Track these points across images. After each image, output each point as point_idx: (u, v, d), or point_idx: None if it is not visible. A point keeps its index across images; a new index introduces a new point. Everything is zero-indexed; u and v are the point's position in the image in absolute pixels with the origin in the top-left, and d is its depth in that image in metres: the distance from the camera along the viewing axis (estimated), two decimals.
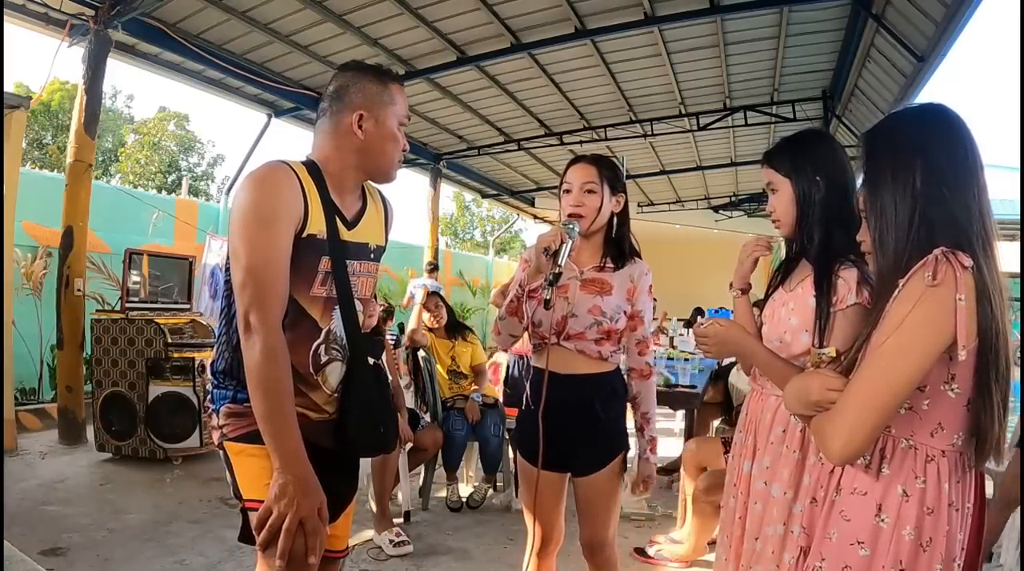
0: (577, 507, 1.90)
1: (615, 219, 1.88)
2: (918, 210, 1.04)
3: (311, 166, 1.39)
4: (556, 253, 1.67)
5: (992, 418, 1.03)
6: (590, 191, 1.80)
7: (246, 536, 1.36)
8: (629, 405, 1.95)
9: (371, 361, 1.44)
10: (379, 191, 1.57)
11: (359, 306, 1.45)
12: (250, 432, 1.34)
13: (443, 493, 3.67)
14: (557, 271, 1.65)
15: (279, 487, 1.23)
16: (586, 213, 1.79)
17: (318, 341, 1.38)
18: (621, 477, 1.89)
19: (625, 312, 1.83)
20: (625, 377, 1.94)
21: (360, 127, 1.37)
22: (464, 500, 3.63)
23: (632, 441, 1.93)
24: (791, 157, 1.51)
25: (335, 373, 1.41)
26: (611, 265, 1.85)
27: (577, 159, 1.87)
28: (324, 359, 1.39)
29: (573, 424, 1.82)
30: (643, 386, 1.92)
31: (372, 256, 1.49)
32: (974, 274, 0.98)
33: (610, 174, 1.83)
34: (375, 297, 1.64)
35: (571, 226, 1.73)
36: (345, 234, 1.40)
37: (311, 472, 1.26)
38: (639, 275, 1.85)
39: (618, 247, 1.87)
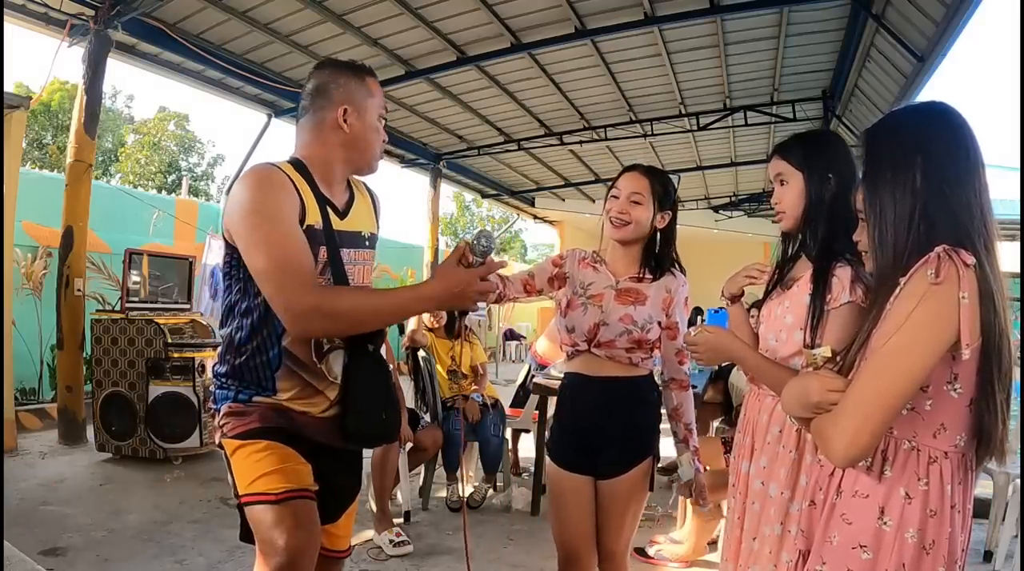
0: (596, 512, 1.87)
1: (659, 235, 1.86)
2: (918, 208, 1.04)
3: (297, 164, 1.41)
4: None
5: (995, 418, 1.02)
6: (637, 202, 1.79)
7: (246, 535, 1.37)
8: (670, 417, 1.93)
9: (370, 348, 1.45)
10: (363, 183, 1.61)
11: None
12: (248, 430, 1.36)
13: (443, 493, 3.67)
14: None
15: (438, 297, 1.32)
16: (630, 220, 1.79)
17: None
18: (645, 487, 1.85)
19: (659, 323, 1.83)
20: (660, 386, 1.93)
21: (345, 121, 1.41)
22: (464, 500, 3.63)
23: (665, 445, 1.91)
24: (806, 152, 1.51)
25: (338, 361, 1.43)
26: (649, 276, 1.84)
27: (631, 167, 1.87)
28: (326, 347, 1.41)
29: (599, 425, 1.81)
30: (683, 397, 1.91)
31: (367, 244, 1.52)
32: (977, 272, 0.97)
33: (661, 189, 1.82)
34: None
35: (480, 243, 1.41)
36: (338, 224, 1.42)
37: (434, 280, 1.32)
38: (676, 287, 1.85)
39: (658, 261, 1.86)
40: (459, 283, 1.30)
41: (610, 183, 1.87)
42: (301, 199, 1.35)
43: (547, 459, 1.91)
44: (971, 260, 0.96)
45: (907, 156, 1.06)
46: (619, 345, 1.79)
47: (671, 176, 1.93)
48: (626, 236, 1.81)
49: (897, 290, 1.00)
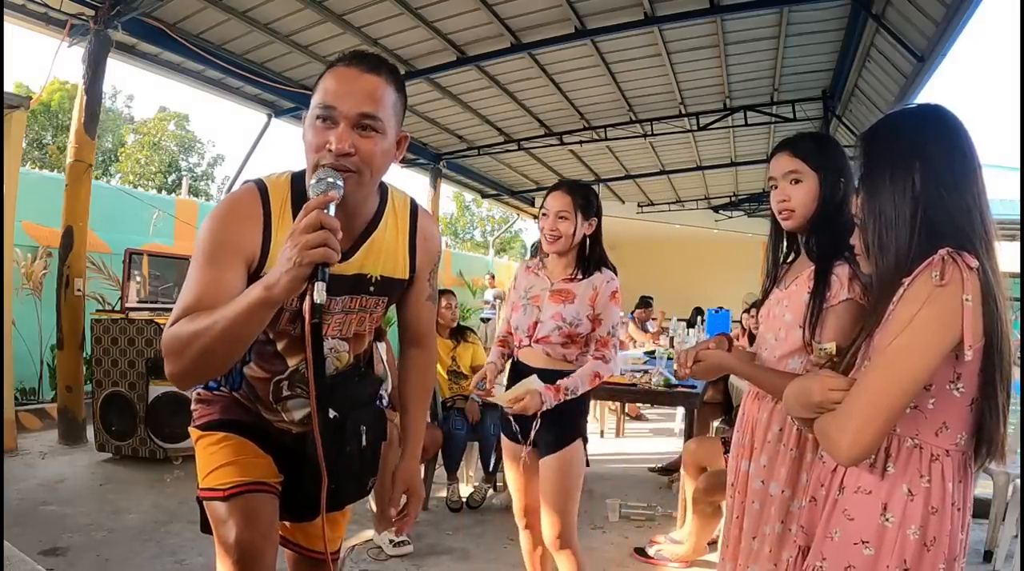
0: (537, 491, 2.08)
1: (587, 240, 2.10)
2: (919, 212, 1.05)
3: (296, 183, 1.22)
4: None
5: (996, 419, 1.03)
6: (563, 218, 2.03)
7: (206, 526, 1.33)
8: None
9: (332, 415, 1.27)
10: (415, 215, 1.34)
11: (344, 345, 1.32)
12: (210, 421, 1.34)
13: (443, 493, 3.67)
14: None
15: (285, 268, 0.98)
16: (559, 234, 2.04)
17: (281, 377, 1.31)
18: (576, 468, 2.03)
19: (588, 317, 2.03)
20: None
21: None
22: (464, 500, 3.63)
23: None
24: (822, 153, 1.51)
25: (297, 407, 1.33)
26: (580, 276, 2.07)
27: (556, 186, 2.10)
28: (286, 393, 1.32)
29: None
30: (589, 364, 2.03)
31: (372, 289, 1.29)
32: (979, 275, 0.98)
33: (583, 202, 2.05)
34: (381, 330, 1.47)
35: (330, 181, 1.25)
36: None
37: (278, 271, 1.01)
38: (602, 282, 2.05)
39: (588, 262, 2.09)
40: (289, 237, 1.00)
41: (541, 202, 2.13)
42: (267, 239, 1.16)
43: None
44: (974, 263, 0.98)
45: (905, 160, 1.07)
46: (554, 340, 2.03)
47: (593, 187, 2.16)
48: (559, 249, 2.06)
49: (900, 291, 1.02)
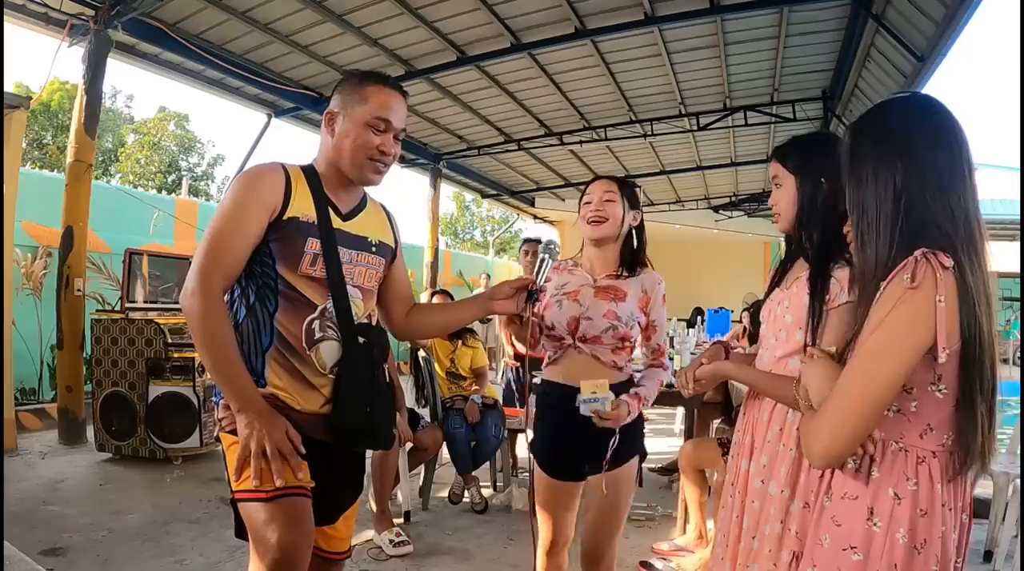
0: (585, 509, 1.88)
1: (633, 234, 1.93)
2: (901, 211, 1.01)
3: (308, 168, 1.47)
4: (535, 281, 1.65)
5: (976, 429, 1.00)
6: (609, 200, 1.87)
7: (240, 531, 1.37)
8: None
9: (361, 340, 1.45)
10: (382, 205, 1.65)
11: (358, 294, 1.47)
12: None
13: (443, 493, 3.67)
14: (537, 288, 1.64)
15: (244, 425, 1.30)
16: (607, 216, 1.86)
17: (312, 316, 1.40)
18: (632, 484, 1.88)
19: (639, 322, 1.87)
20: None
21: (330, 126, 1.45)
22: (461, 495, 3.62)
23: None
24: (799, 156, 1.53)
25: (329, 352, 1.42)
26: (625, 274, 1.90)
27: (595, 179, 1.96)
28: (318, 335, 1.41)
29: (586, 439, 1.79)
30: (651, 372, 1.92)
31: (374, 250, 1.53)
32: (955, 275, 0.95)
33: (629, 192, 1.91)
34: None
35: (552, 246, 1.74)
36: (338, 223, 1.45)
37: (267, 407, 1.33)
38: (652, 285, 1.90)
39: (633, 259, 1.92)
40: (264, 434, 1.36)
41: (581, 193, 1.95)
42: (288, 194, 1.38)
43: (534, 463, 1.89)
44: (949, 262, 0.95)
45: (890, 156, 1.04)
46: (605, 342, 1.83)
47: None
48: (605, 233, 1.87)
49: (877, 296, 0.99)
